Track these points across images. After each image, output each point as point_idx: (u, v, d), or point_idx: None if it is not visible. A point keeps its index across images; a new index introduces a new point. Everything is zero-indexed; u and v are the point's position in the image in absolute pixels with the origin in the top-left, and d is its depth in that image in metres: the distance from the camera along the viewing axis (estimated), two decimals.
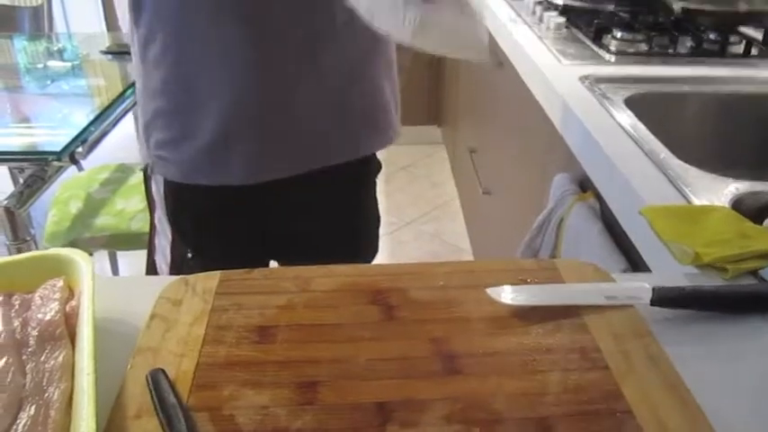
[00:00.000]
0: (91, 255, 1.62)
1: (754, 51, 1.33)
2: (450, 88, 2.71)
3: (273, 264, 1.08)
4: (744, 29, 1.38)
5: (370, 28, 0.85)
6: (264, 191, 0.90)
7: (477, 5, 0.70)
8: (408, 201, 2.70)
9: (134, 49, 0.88)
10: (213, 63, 0.83)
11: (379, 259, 1.15)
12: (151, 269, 1.01)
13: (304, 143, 0.90)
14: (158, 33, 0.83)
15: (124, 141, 2.15)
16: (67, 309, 0.50)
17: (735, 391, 0.50)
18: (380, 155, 1.04)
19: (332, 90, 0.89)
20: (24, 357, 0.46)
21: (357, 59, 0.89)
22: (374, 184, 1.07)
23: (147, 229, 1.41)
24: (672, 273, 0.65)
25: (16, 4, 2.80)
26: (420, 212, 2.64)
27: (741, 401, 0.49)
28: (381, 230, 1.12)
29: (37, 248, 1.53)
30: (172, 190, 0.92)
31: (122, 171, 1.97)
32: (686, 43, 1.37)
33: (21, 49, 2.26)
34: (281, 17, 0.82)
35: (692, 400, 0.45)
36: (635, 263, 0.81)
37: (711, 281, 0.62)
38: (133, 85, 1.66)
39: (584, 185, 1.01)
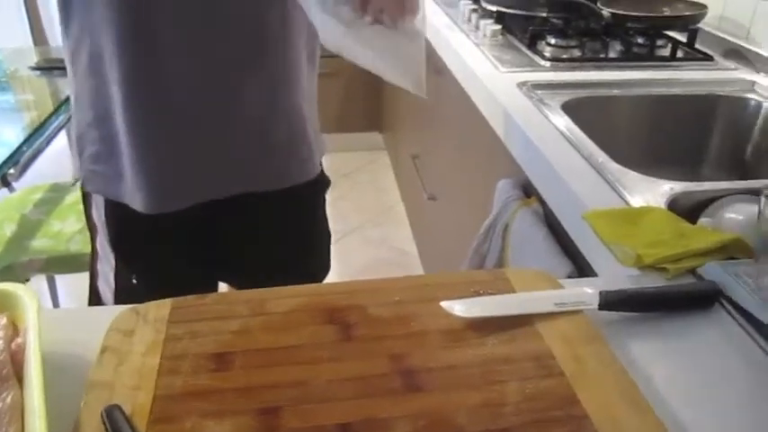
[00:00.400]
0: (28, 280, 1.56)
1: (679, 54, 1.39)
2: (391, 94, 2.72)
3: (225, 287, 1.06)
4: (669, 32, 1.44)
5: (291, 56, 0.85)
6: (197, 216, 0.89)
7: (419, 33, 0.71)
8: (352, 207, 2.70)
9: (66, 60, 0.85)
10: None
11: None
12: (94, 296, 0.98)
13: (221, 169, 0.88)
14: (85, 43, 0.81)
15: (56, 158, 2.08)
16: (13, 347, 0.48)
17: (684, 387, 0.52)
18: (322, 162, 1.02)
19: (251, 119, 0.87)
20: None
21: (278, 88, 0.89)
22: (323, 201, 1.06)
23: (86, 250, 1.36)
24: (616, 275, 0.67)
25: None
26: (365, 219, 2.64)
27: (690, 397, 0.51)
28: None
29: None
30: (112, 213, 0.89)
31: (56, 190, 1.90)
32: (616, 47, 1.42)
33: None
34: (209, 34, 0.81)
35: (644, 402, 0.47)
36: (581, 266, 0.84)
37: (654, 281, 0.65)
38: (66, 100, 1.61)
39: (528, 191, 1.03)
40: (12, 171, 1.42)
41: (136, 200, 0.86)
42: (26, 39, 2.82)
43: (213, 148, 0.86)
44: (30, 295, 0.51)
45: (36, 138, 1.54)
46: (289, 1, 0.83)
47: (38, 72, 1.92)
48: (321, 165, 1.00)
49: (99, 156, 0.87)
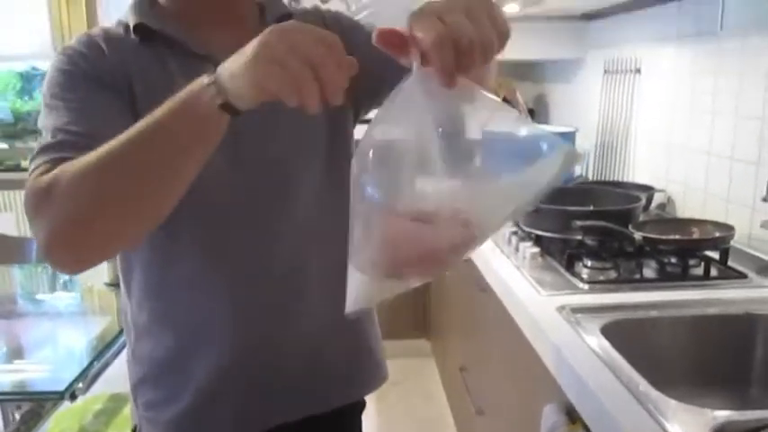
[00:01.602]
0: None
1: (713, 272, 1.45)
2: (438, 304, 2.81)
3: None
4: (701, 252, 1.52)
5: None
6: None
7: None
8: (401, 417, 2.68)
9: (126, 311, 0.98)
10: (200, 327, 0.92)
11: None
12: None
13: (285, 395, 0.96)
14: (146, 308, 0.93)
15: (117, 368, 2.18)
16: None
17: None
18: None
19: (313, 339, 0.97)
20: None
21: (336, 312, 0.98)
22: (359, 423, 1.10)
23: None
24: None
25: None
26: (414, 429, 2.60)
27: None
28: None
29: None
30: None
31: (115, 401, 1.98)
32: (651, 266, 1.50)
33: (23, 277, 2.36)
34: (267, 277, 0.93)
35: None
36: None
37: None
38: None
39: (573, 415, 1.06)
40: (80, 385, 1.51)
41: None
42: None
43: (282, 374, 0.95)
44: None
45: (105, 352, 1.64)
46: None
47: (112, 287, 2.08)
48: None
49: (155, 404, 0.95)
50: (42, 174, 0.72)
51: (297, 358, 0.96)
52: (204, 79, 0.66)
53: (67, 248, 0.72)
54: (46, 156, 0.75)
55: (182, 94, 0.67)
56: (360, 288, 0.63)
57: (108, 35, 0.89)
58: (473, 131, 0.57)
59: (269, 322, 0.93)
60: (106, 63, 0.85)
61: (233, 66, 0.64)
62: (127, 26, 0.90)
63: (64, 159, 0.72)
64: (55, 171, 0.71)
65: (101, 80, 0.83)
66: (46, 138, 0.78)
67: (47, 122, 0.79)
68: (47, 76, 0.84)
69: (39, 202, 0.71)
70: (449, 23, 0.58)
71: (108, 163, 0.68)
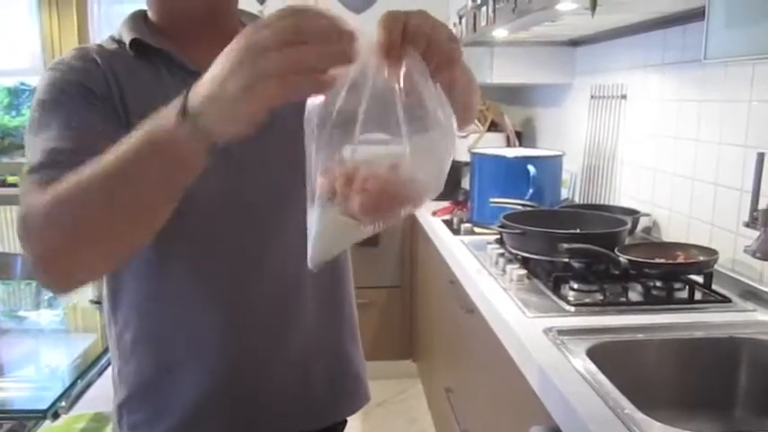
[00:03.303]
0: None
1: (697, 295, 1.46)
2: (425, 325, 2.81)
3: None
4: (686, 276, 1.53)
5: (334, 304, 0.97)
6: None
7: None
8: None
9: (112, 330, 0.97)
10: (188, 346, 0.92)
11: None
12: None
13: (272, 415, 0.96)
14: (133, 326, 0.93)
15: (100, 387, 2.15)
16: None
17: None
18: None
19: (301, 360, 0.97)
20: None
21: (323, 333, 0.99)
22: None
23: None
24: None
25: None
26: None
27: None
28: None
29: None
30: None
31: (98, 420, 1.95)
32: (637, 289, 1.51)
33: (6, 294, 2.34)
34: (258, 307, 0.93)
35: None
36: None
37: None
38: None
39: None
40: (63, 404, 1.49)
41: None
42: None
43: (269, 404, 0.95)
44: None
45: (89, 371, 1.62)
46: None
47: (97, 305, 2.07)
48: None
49: (140, 424, 0.94)
50: (35, 195, 0.72)
51: (284, 379, 0.96)
52: (172, 113, 0.61)
53: (56, 270, 0.73)
54: (38, 176, 0.74)
55: (151, 129, 0.63)
56: (318, 239, 0.65)
57: (102, 50, 0.89)
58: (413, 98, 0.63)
59: (257, 343, 0.93)
60: (100, 76, 0.85)
61: (207, 89, 0.60)
62: (120, 42, 0.90)
63: (47, 182, 0.72)
64: (45, 195, 0.70)
65: (94, 94, 0.83)
66: (37, 155, 0.77)
67: (38, 139, 0.79)
68: (39, 88, 0.84)
69: (28, 226, 0.71)
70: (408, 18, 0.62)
71: (81, 194, 0.67)
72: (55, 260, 0.71)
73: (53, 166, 0.75)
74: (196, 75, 0.83)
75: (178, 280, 0.90)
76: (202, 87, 0.60)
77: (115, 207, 0.67)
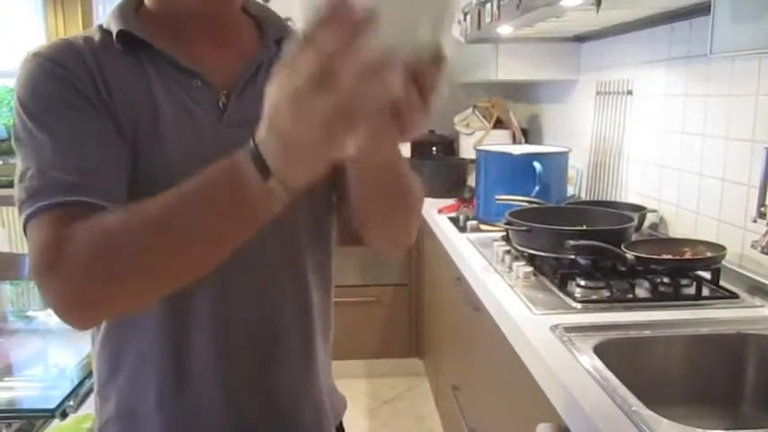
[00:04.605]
0: None
1: (705, 292, 1.46)
2: (431, 323, 2.81)
3: None
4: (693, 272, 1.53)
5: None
6: None
7: None
8: None
9: (95, 349, 0.91)
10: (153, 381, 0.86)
11: None
12: None
13: None
14: (108, 350, 0.87)
15: None
16: None
17: None
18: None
19: (282, 404, 0.90)
20: None
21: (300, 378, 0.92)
22: None
23: None
24: None
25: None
26: None
27: None
28: None
29: None
30: None
31: None
32: (644, 285, 1.50)
33: (14, 294, 2.35)
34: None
35: None
36: None
37: None
38: None
39: None
40: (71, 403, 1.50)
41: None
42: None
43: None
44: None
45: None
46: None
47: None
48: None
49: None
50: (46, 225, 0.68)
51: (265, 418, 0.90)
52: (243, 164, 0.58)
53: (82, 315, 0.69)
54: (39, 201, 0.70)
55: (222, 201, 0.61)
56: None
57: (87, 41, 0.81)
58: None
59: (237, 380, 0.87)
60: (85, 70, 0.78)
61: (278, 136, 0.56)
62: (108, 32, 0.82)
63: (60, 205, 0.69)
64: (69, 226, 0.66)
65: (78, 91, 0.76)
66: (32, 175, 0.73)
67: (29, 152, 0.74)
68: (20, 86, 0.77)
69: (54, 260, 0.66)
70: None
71: (142, 251, 0.64)
72: (86, 307, 0.68)
73: (54, 188, 0.71)
74: (190, 73, 0.80)
75: (149, 320, 0.84)
76: (272, 143, 0.57)
77: (179, 265, 0.65)
